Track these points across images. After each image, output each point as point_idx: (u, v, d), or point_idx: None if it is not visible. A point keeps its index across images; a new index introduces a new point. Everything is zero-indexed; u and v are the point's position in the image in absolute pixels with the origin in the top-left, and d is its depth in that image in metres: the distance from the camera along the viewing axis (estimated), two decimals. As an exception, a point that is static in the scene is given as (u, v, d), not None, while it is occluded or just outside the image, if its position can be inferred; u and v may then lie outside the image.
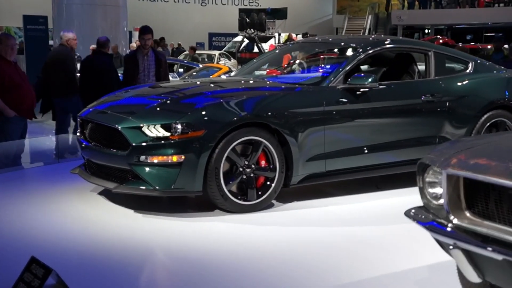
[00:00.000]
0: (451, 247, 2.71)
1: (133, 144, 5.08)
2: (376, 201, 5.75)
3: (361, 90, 5.66)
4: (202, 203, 5.47)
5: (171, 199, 5.63)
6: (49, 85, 8.75)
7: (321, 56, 6.76)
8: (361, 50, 5.95)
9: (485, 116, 6.27)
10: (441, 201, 2.93)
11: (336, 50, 6.65)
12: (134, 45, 21.92)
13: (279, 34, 28.99)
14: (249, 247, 4.57)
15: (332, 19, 37.96)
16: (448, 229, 2.74)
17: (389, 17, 35.30)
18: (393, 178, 6.25)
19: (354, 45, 6.10)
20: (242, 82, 6.16)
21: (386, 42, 6.29)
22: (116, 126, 5.19)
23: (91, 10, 18.14)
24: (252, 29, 28.28)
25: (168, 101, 5.49)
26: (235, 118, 5.14)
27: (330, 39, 6.78)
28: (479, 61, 6.70)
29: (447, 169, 2.78)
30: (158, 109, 5.34)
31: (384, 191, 6.07)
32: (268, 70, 6.92)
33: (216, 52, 23.91)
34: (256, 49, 29.45)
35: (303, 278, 3.98)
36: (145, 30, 8.25)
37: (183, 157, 5.02)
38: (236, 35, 30.79)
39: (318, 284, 3.88)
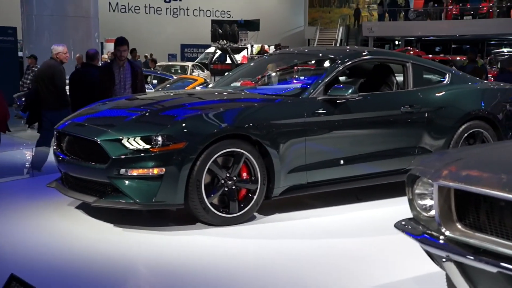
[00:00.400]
0: (444, 259, 2.70)
1: (113, 157, 5.01)
2: (358, 212, 5.74)
3: (341, 101, 5.67)
4: (183, 216, 5.41)
5: (151, 212, 5.56)
6: (39, 98, 8.71)
7: (300, 68, 6.74)
8: (340, 61, 5.96)
9: (463, 127, 6.33)
10: (432, 212, 2.92)
11: (314, 61, 6.64)
12: (105, 56, 21.82)
13: (252, 46, 29.05)
14: (232, 260, 4.52)
15: (304, 30, 38.20)
16: (441, 241, 2.73)
17: (360, 29, 35.65)
18: (372, 189, 6.25)
19: (333, 56, 6.10)
20: (222, 93, 6.13)
21: (364, 53, 6.32)
22: (95, 139, 5.11)
23: (61, 21, 17.92)
24: (224, 41, 28.30)
25: (147, 113, 5.44)
26: (216, 130, 5.11)
27: (308, 51, 6.81)
28: (455, 72, 6.77)
29: (439, 181, 2.77)
30: (137, 121, 5.28)
31: (365, 202, 6.07)
32: (243, 82, 6.89)
33: (190, 64, 23.86)
34: (228, 60, 29.50)
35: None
36: (121, 42, 8.15)
37: (164, 169, 4.96)
38: (208, 46, 30.79)
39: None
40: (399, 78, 6.45)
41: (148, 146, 4.99)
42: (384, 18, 35.88)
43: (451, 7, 35.63)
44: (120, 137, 5.05)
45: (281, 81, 6.64)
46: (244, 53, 29.80)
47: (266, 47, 29.72)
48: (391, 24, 35.57)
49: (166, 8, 34.96)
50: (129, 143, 5.02)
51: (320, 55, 6.58)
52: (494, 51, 30.06)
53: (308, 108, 5.55)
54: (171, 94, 6.40)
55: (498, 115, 6.57)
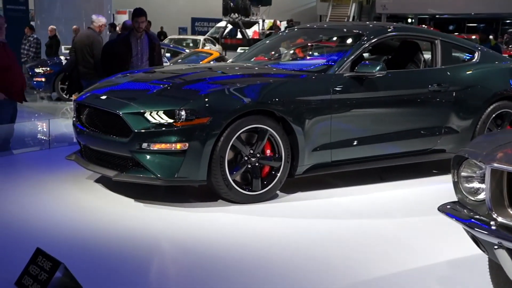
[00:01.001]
0: (495, 247, 2.57)
1: (135, 130, 4.89)
2: (382, 193, 5.62)
3: (368, 78, 5.52)
4: (203, 192, 5.32)
5: (171, 187, 5.44)
6: (78, 67, 8.88)
7: (325, 43, 6.57)
8: (366, 37, 5.79)
9: (491, 107, 6.17)
10: (479, 196, 2.80)
11: (339, 37, 6.47)
12: (117, 29, 21.60)
13: (263, 20, 28.81)
14: (255, 239, 4.42)
15: (316, 6, 37.77)
16: (492, 227, 2.60)
17: (373, 5, 35.23)
18: (395, 169, 6.12)
19: (359, 31, 5.93)
20: (245, 68, 5.97)
21: (391, 29, 6.13)
22: (117, 111, 4.99)
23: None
24: (236, 14, 28.09)
25: (170, 87, 5.30)
26: (241, 105, 4.97)
27: (331, 26, 6.62)
28: (485, 50, 6.59)
29: (492, 163, 2.64)
30: (160, 95, 5.15)
31: (388, 182, 5.95)
32: (259, 57, 6.72)
33: (201, 37, 23.62)
34: (239, 35, 29.29)
35: (315, 274, 3.82)
36: (139, 13, 7.97)
37: (187, 145, 4.84)
38: (219, 20, 30.53)
39: (332, 281, 3.73)
40: (426, 56, 6.28)
41: (171, 121, 4.87)
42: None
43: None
44: (143, 111, 4.92)
45: (305, 56, 6.47)
46: (255, 28, 29.59)
47: (278, 22, 29.44)
48: (405, 1, 35.06)
49: (178, -19, 34.59)
50: (152, 116, 4.90)
51: (345, 30, 6.41)
52: (509, 30, 29.71)
53: (335, 85, 5.40)
54: (192, 67, 6.25)
55: (528, 95, 6.40)
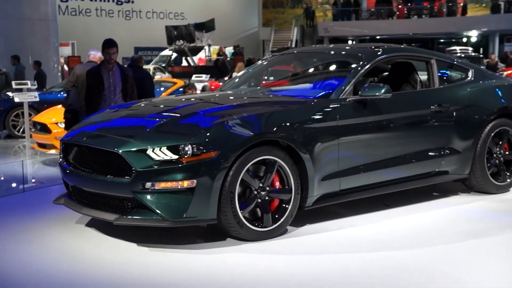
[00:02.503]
0: None
1: (138, 169, 4.49)
2: (391, 220, 5.37)
3: (371, 101, 5.30)
4: (209, 231, 4.94)
5: (174, 227, 5.03)
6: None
7: (321, 67, 6.32)
8: (366, 59, 5.58)
9: (490, 125, 6.05)
10: None
11: (336, 60, 6.23)
12: (62, 60, 20.97)
13: (209, 46, 28.54)
14: (274, 280, 4.06)
15: (259, 31, 37.86)
16: None
17: (315, 29, 35.56)
18: (397, 194, 5.88)
19: (359, 54, 5.71)
20: (241, 97, 5.65)
21: (388, 50, 5.93)
22: (116, 150, 4.59)
23: (18, 25, 17.05)
24: (181, 41, 27.68)
25: (168, 121, 4.90)
26: (249, 136, 4.65)
27: (325, 50, 6.36)
28: (477, 68, 6.49)
29: None
30: (160, 130, 4.76)
31: (394, 209, 5.71)
32: (263, 83, 6.43)
33: (151, 67, 23.17)
34: (185, 63, 28.91)
35: None
36: (109, 44, 7.59)
37: (195, 181, 4.47)
38: (163, 49, 30.11)
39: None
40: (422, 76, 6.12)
41: (176, 157, 4.50)
42: (338, 18, 35.88)
43: (400, 6, 36.05)
44: (144, 148, 4.54)
45: (303, 82, 6.19)
46: (201, 54, 29.27)
47: (223, 48, 29.25)
48: (345, 23, 35.58)
49: (118, 11, 34.05)
50: (155, 153, 4.52)
51: (343, 53, 6.17)
52: (447, 49, 30.48)
53: (340, 110, 5.16)
54: (183, 99, 5.88)
55: (523, 112, 6.31)
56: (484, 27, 35.74)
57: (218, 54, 27.96)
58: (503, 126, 6.14)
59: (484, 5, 38.72)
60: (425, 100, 5.76)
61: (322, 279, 4.06)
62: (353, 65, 5.58)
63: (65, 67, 22.50)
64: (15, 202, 6.38)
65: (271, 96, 5.61)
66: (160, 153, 4.52)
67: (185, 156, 4.49)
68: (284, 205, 4.89)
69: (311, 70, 6.39)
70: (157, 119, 4.95)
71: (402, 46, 6.76)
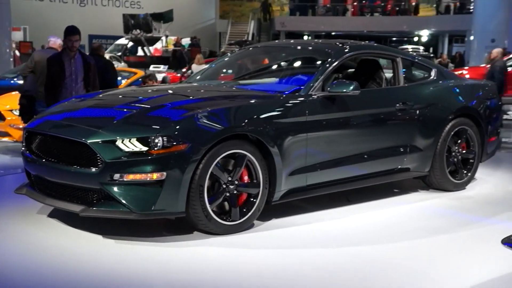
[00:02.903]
0: None
1: (106, 160, 4.41)
2: (356, 216, 5.41)
3: (339, 98, 5.32)
4: (175, 223, 4.89)
5: (138, 220, 4.95)
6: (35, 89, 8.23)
7: (289, 62, 6.29)
8: (335, 56, 5.61)
9: (450, 124, 6.15)
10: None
11: (305, 56, 6.22)
12: (13, 46, 20.38)
13: (167, 36, 28.23)
14: (242, 272, 4.06)
15: (215, 23, 37.64)
16: None
17: (272, 23, 35.60)
18: (359, 190, 5.92)
19: (328, 50, 5.73)
20: (211, 90, 5.59)
21: (358, 47, 5.97)
22: (84, 140, 4.49)
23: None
24: (138, 30, 27.30)
25: (137, 113, 4.81)
26: (220, 130, 4.62)
27: (294, 44, 6.33)
28: (440, 68, 6.59)
29: None
30: (129, 121, 4.67)
31: (357, 204, 5.75)
32: (223, 76, 6.38)
33: (107, 55, 22.75)
34: (140, 52, 28.54)
35: None
36: (72, 31, 7.41)
37: (164, 174, 4.42)
38: (118, 37, 29.63)
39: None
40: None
41: (145, 149, 4.43)
42: (295, 13, 36.01)
43: (356, 4, 36.45)
44: (114, 139, 4.46)
45: (271, 76, 6.16)
46: (157, 45, 28.92)
47: (179, 39, 28.94)
48: (301, 19, 35.77)
49: (73, -3, 33.36)
50: (124, 145, 4.44)
51: (311, 49, 6.18)
52: (400, 47, 30.93)
53: (310, 106, 5.17)
54: (150, 90, 5.79)
55: (481, 112, 6.45)
56: (434, 27, 36.43)
57: (175, 45, 27.66)
58: (462, 125, 6.26)
59: (433, 6, 39.51)
60: (390, 98, 5.82)
61: (290, 272, 4.07)
62: (322, 61, 5.59)
63: (17, 53, 21.95)
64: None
65: (240, 90, 5.57)
66: (130, 145, 4.44)
67: (155, 148, 4.43)
68: (252, 199, 4.87)
69: (279, 65, 6.36)
70: (126, 110, 4.86)
71: (368, 43, 6.76)
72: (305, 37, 38.39)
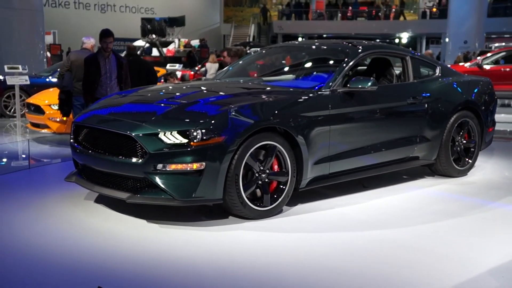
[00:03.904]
0: None
1: (151, 152, 4.18)
2: (375, 201, 5.18)
3: (358, 93, 5.10)
4: (211, 209, 4.67)
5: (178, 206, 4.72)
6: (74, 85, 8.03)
7: (311, 61, 6.02)
8: (353, 54, 5.38)
9: (454, 116, 5.94)
10: None
11: (325, 54, 5.96)
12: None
13: (179, 39, 27.93)
14: (278, 255, 3.83)
15: (220, 27, 37.26)
16: None
17: (271, 26, 35.24)
18: (372, 177, 5.71)
19: (347, 50, 5.49)
20: (242, 87, 5.30)
21: (373, 47, 5.74)
22: (129, 133, 4.26)
23: (7, 14, 16.18)
24: (154, 35, 27.06)
25: (176, 108, 4.56)
26: (253, 123, 4.39)
27: (314, 45, 6.07)
28: (444, 65, 6.36)
29: None
30: (170, 115, 4.43)
31: (373, 190, 5.54)
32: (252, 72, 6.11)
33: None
34: (155, 53, 28.28)
35: (346, 285, 3.34)
36: (106, 33, 7.22)
37: (204, 164, 4.19)
38: (136, 39, 29.33)
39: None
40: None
41: (185, 141, 4.20)
42: (291, 18, 35.65)
43: (350, 9, 36.09)
44: (157, 132, 4.23)
45: (295, 74, 5.91)
46: (170, 46, 28.65)
47: (186, 41, 28.65)
48: (297, 23, 35.42)
49: (94, 4, 32.96)
50: (166, 137, 4.22)
51: (329, 49, 5.93)
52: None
53: (332, 100, 4.94)
54: (184, 87, 5.54)
55: (480, 105, 6.24)
56: (413, 30, 36.20)
57: (185, 46, 27.37)
58: (464, 117, 6.05)
59: (412, 11, 39.26)
60: (402, 93, 5.60)
61: (321, 254, 3.86)
62: (340, 61, 5.35)
63: (48, 54, 21.66)
64: (22, 178, 5.94)
65: (268, 86, 5.32)
66: (171, 137, 4.22)
67: (195, 140, 4.20)
68: (281, 187, 4.66)
69: (300, 63, 6.10)
70: (165, 105, 4.62)
71: (380, 43, 6.51)
72: (300, 39, 38.04)
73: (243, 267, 3.62)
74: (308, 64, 5.95)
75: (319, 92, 4.96)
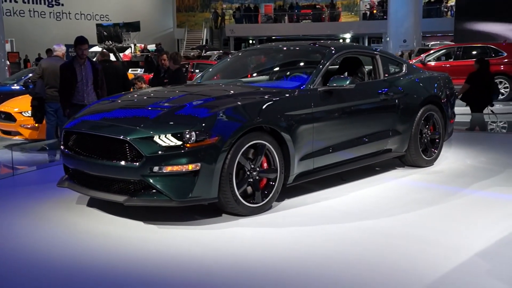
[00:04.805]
0: None
1: (146, 155, 4.06)
2: (355, 193, 5.19)
3: (336, 91, 5.11)
4: (203, 208, 4.58)
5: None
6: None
7: (288, 63, 5.98)
8: (330, 54, 5.39)
9: (421, 110, 6.03)
10: None
11: (302, 55, 5.92)
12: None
13: (135, 45, 27.45)
14: (275, 248, 3.80)
15: (174, 31, 36.85)
16: None
17: (222, 30, 35.10)
18: (348, 170, 5.73)
19: (324, 50, 5.48)
20: (226, 89, 5.20)
21: (347, 47, 5.79)
22: (124, 137, 4.13)
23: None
24: (110, 41, 26.51)
25: (167, 112, 4.43)
26: (244, 123, 4.34)
27: (292, 46, 6.02)
28: (408, 63, 6.45)
29: None
30: (163, 119, 4.31)
31: (351, 183, 5.55)
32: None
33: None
34: (112, 58, 27.72)
35: (339, 276, 3.34)
36: (81, 41, 7.01)
37: (199, 165, 4.10)
38: (91, 46, 28.67)
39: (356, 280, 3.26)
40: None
41: (180, 143, 4.10)
42: (242, 21, 35.61)
43: (297, 12, 36.36)
44: (151, 135, 4.11)
45: (274, 75, 5.86)
46: (127, 51, 28.13)
47: (148, 46, 28.20)
48: (247, 26, 35.40)
49: (50, 12, 32.05)
50: (161, 140, 4.11)
51: (304, 51, 5.91)
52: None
53: (314, 99, 4.93)
54: (166, 91, 5.41)
55: (443, 98, 6.37)
56: (355, 31, 36.79)
57: (142, 51, 26.94)
58: (430, 111, 6.16)
59: (353, 13, 39.91)
60: (375, 90, 5.64)
61: (313, 246, 3.84)
62: (318, 61, 5.34)
63: (7, 62, 20.92)
64: (8, 185, 5.68)
65: (250, 88, 5.26)
66: (166, 140, 4.12)
67: (189, 142, 4.11)
68: (271, 183, 4.62)
69: (277, 65, 6.06)
70: (157, 109, 4.49)
71: (350, 43, 6.55)
72: (250, 42, 38.08)
73: (245, 262, 3.56)
74: (287, 66, 5.92)
75: (301, 92, 4.95)
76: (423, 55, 16.79)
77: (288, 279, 3.29)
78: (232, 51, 27.13)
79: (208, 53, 24.35)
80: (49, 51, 20.06)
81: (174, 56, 8.56)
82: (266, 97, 4.75)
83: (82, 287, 3.20)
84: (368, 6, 37.84)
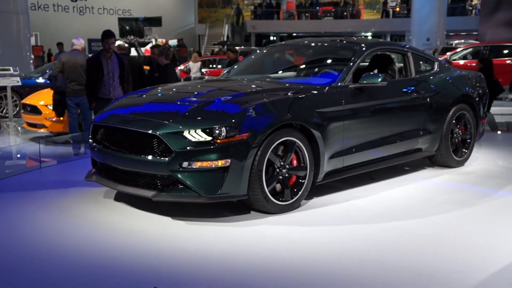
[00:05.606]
0: None
1: (176, 150, 4.00)
2: (385, 192, 5.10)
3: (367, 88, 5.00)
4: (232, 205, 4.51)
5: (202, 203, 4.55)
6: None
7: (319, 59, 5.88)
8: (360, 51, 5.28)
9: (453, 109, 5.89)
10: None
11: (332, 51, 5.83)
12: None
13: (156, 40, 27.47)
14: (303, 248, 3.72)
15: (195, 27, 36.82)
16: None
17: (244, 26, 34.99)
18: (378, 169, 5.60)
19: (355, 47, 5.37)
20: (256, 84, 5.09)
21: (378, 43, 5.66)
22: (154, 132, 4.08)
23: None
24: (132, 36, 26.58)
25: (197, 107, 4.36)
26: (274, 120, 4.25)
27: (321, 42, 5.91)
28: (440, 61, 6.30)
29: None
30: (193, 114, 4.24)
31: (380, 182, 5.45)
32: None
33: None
34: (134, 52, 27.83)
35: (372, 276, 3.24)
36: (108, 34, 6.97)
37: (229, 161, 4.03)
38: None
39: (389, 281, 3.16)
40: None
41: (210, 138, 4.03)
42: (263, 17, 35.47)
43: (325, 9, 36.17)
44: (181, 130, 4.05)
45: (305, 71, 5.77)
46: (148, 46, 28.20)
47: (163, 41, 28.21)
48: (269, 22, 35.22)
49: (73, 7, 32.20)
50: (191, 135, 4.05)
51: (335, 47, 5.81)
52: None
53: (345, 96, 4.83)
54: (199, 86, 5.35)
55: (475, 98, 6.22)
56: (376, 29, 36.44)
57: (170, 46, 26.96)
58: (462, 110, 6.02)
59: (375, 11, 39.51)
60: (406, 88, 5.51)
61: (342, 245, 3.76)
62: (348, 58, 5.23)
63: (32, 55, 21.09)
64: (36, 178, 5.67)
65: (280, 84, 5.17)
66: (196, 135, 4.05)
67: (220, 138, 4.04)
68: (301, 181, 4.53)
69: (308, 61, 5.96)
70: (187, 104, 4.43)
71: (382, 40, 6.43)
72: (272, 38, 37.91)
73: (273, 260, 3.49)
74: (317, 62, 5.82)
75: (332, 89, 4.85)
76: (448, 54, 16.53)
77: (316, 280, 3.21)
78: (253, 47, 27.06)
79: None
80: (59, 45, 20.22)
81: (166, 51, 8.37)
82: (296, 93, 4.66)
83: (105, 282, 3.15)
84: (394, 4, 37.43)
